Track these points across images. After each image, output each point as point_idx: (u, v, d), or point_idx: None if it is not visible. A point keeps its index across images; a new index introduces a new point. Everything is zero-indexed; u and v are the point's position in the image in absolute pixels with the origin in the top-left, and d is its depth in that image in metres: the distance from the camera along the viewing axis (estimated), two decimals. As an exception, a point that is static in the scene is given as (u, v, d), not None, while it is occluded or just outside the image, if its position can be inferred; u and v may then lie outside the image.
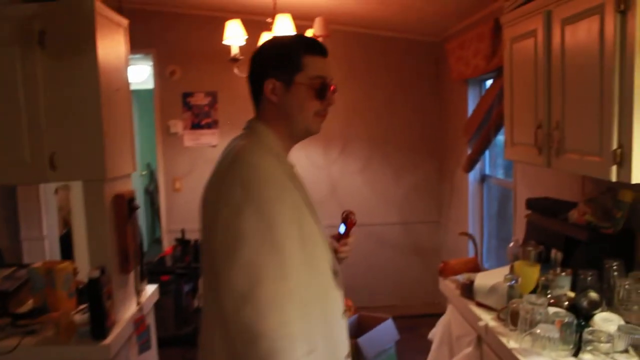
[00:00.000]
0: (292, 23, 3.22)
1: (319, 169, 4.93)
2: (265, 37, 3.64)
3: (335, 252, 1.51)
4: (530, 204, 2.53)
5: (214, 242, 1.24)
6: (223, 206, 1.23)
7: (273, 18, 3.32)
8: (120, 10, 2.27)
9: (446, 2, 3.58)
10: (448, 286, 2.48)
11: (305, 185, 1.44)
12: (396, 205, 5.00)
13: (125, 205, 2.16)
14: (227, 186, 1.25)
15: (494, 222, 4.02)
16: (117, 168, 2.17)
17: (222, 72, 4.45)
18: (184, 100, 4.82)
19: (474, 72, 3.44)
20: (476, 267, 2.54)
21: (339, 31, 4.66)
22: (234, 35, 3.30)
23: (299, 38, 1.48)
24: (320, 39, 3.57)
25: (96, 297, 1.95)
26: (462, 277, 2.31)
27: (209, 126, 4.86)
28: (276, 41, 1.48)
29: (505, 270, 2.16)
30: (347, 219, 1.59)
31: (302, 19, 3.94)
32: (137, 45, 4.90)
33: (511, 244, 2.40)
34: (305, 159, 4.89)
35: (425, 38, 4.79)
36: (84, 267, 2.25)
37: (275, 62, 1.39)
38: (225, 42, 3.38)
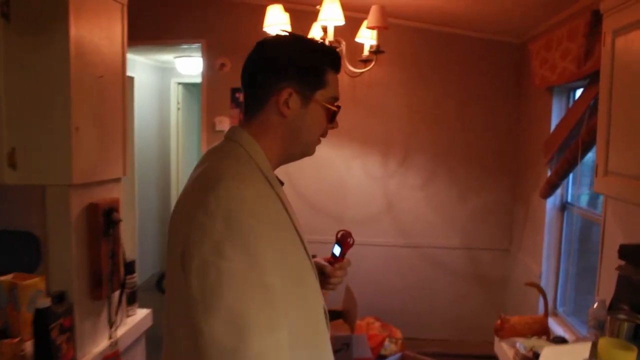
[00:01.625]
0: (341, 10, 2.74)
1: (375, 180, 4.42)
2: (315, 28, 3.19)
3: (327, 277, 1.34)
4: (625, 252, 1.91)
5: (190, 284, 0.97)
6: (201, 242, 0.98)
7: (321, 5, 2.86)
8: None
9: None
10: (505, 352, 1.92)
11: (294, 212, 1.19)
12: (459, 227, 4.40)
13: (99, 218, 1.76)
14: (206, 217, 0.99)
15: (573, 258, 3.35)
16: (94, 171, 1.77)
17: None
18: (233, 95, 4.45)
19: (561, 77, 2.82)
20: (544, 329, 1.96)
21: (404, 26, 4.14)
22: (275, 22, 2.87)
23: (325, 48, 1.25)
24: (375, 32, 3.08)
25: (42, 332, 1.55)
26: (523, 346, 1.74)
27: (258, 126, 4.46)
28: (301, 44, 1.22)
29: (584, 347, 1.58)
30: (343, 240, 1.38)
31: (356, 11, 3.46)
32: (186, 34, 4.62)
33: (595, 305, 1.81)
34: (361, 168, 4.40)
35: (504, 38, 4.16)
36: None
37: (299, 71, 1.17)
38: (265, 29, 2.95)
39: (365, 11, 3.13)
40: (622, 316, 1.62)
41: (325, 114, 1.21)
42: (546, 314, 2.16)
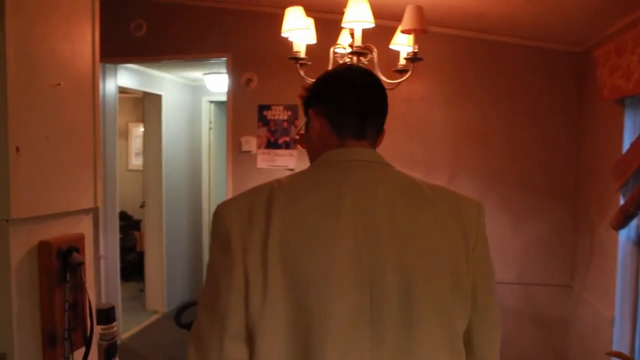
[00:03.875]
0: (370, 10, 2.34)
1: (417, 206, 3.96)
2: (344, 35, 2.81)
3: None
4: None
5: (474, 272, 1.12)
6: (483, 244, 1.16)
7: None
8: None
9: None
10: None
11: None
12: (513, 260, 3.88)
13: (52, 260, 1.40)
14: (480, 226, 1.16)
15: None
16: (47, 202, 1.41)
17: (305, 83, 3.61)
18: (260, 113, 4.11)
19: (638, 86, 2.33)
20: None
21: (446, 35, 3.71)
22: (296, 26, 2.50)
23: None
24: (412, 37, 2.66)
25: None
26: None
27: (286, 146, 4.10)
28: None
29: None
30: None
31: (391, 19, 3.06)
32: (212, 49, 4.33)
33: None
34: (401, 192, 3.95)
35: (561, 46, 3.67)
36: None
37: None
38: (284, 34, 2.59)
39: (401, 19, 2.75)
40: None
41: None
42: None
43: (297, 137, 1.35)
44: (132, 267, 6.55)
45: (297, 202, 1.07)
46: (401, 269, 1.05)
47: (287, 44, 3.45)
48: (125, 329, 4.86)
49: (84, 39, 1.53)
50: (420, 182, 1.18)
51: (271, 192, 1.09)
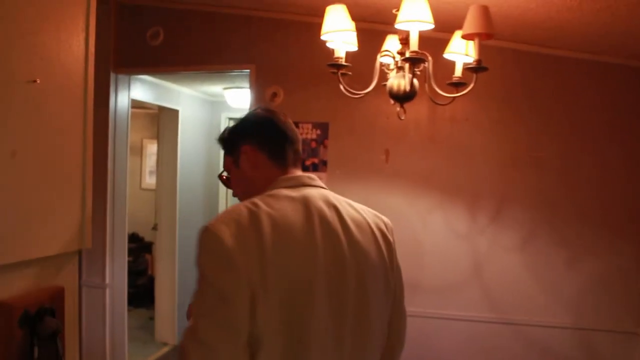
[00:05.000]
0: (429, 9, 1.94)
1: (460, 238, 3.52)
2: (390, 40, 2.43)
3: None
4: None
5: (397, 274, 1.48)
6: (396, 254, 1.46)
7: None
8: None
9: None
10: None
11: None
12: (569, 301, 3.41)
13: (14, 328, 0.99)
14: (393, 240, 1.46)
15: None
16: (11, 246, 1.01)
17: (336, 98, 3.02)
18: (286, 132, 3.72)
19: None
20: None
21: (493, 48, 3.30)
22: (338, 27, 2.11)
23: None
24: (473, 44, 2.25)
25: None
26: None
27: (315, 167, 3.70)
28: None
29: None
30: None
31: (439, 30, 2.65)
32: (234, 59, 3.96)
33: None
34: (441, 223, 3.52)
35: (628, 62, 3.25)
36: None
37: None
38: (324, 37, 2.20)
39: (447, 29, 2.36)
40: None
41: None
42: None
43: (223, 177, 1.47)
44: (143, 292, 6.16)
45: (280, 220, 1.19)
46: (356, 276, 1.28)
47: (316, 55, 3.06)
48: (131, 363, 4.45)
49: (74, 29, 1.15)
50: (347, 200, 1.38)
51: (251, 212, 1.18)
